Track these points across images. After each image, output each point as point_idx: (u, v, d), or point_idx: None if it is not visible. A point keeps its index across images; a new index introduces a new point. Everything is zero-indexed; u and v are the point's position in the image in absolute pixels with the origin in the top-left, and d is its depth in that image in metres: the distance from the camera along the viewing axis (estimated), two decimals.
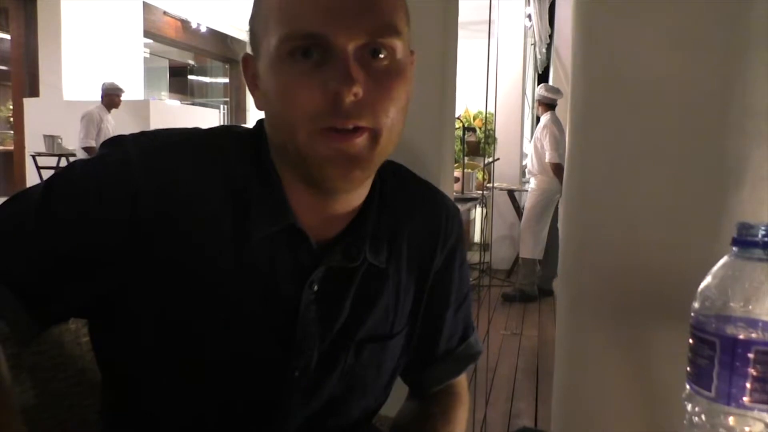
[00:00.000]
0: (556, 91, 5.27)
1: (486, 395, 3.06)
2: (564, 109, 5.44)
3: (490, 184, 5.66)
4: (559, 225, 1.55)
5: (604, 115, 1.42)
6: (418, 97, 1.56)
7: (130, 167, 0.67)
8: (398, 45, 0.66)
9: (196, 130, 0.76)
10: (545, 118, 5.16)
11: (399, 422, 0.92)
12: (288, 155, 0.68)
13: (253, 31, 0.70)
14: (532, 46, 7.62)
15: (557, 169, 5.01)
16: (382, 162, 0.71)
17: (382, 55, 0.65)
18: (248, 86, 0.72)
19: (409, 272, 0.82)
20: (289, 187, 0.72)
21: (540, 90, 5.35)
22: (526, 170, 5.43)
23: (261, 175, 0.72)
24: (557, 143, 4.99)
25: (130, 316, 0.71)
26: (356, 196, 0.74)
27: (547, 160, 5.04)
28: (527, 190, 5.57)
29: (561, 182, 5.10)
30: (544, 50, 8.30)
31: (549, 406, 1.60)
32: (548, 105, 5.17)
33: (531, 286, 5.22)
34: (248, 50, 0.73)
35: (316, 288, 0.74)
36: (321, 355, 0.76)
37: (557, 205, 5.21)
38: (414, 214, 0.83)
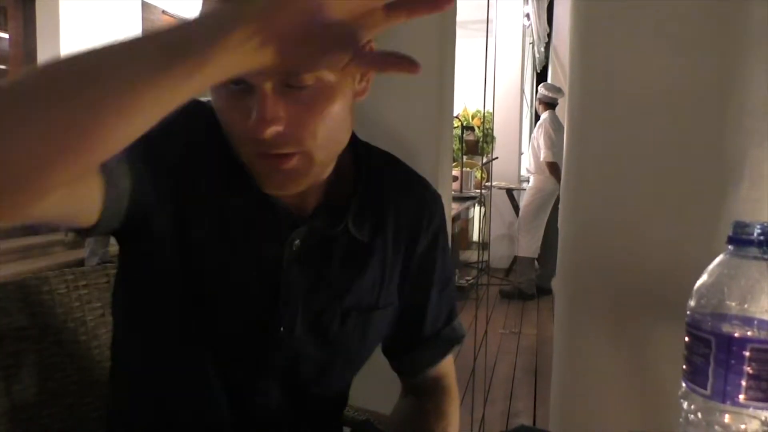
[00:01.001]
0: (557, 90, 5.27)
1: (484, 394, 3.06)
2: (563, 108, 5.45)
3: (489, 183, 5.66)
4: (558, 224, 1.55)
5: (601, 114, 1.42)
6: (416, 95, 1.57)
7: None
8: (315, 77, 0.65)
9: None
10: (543, 116, 5.17)
11: (394, 420, 0.94)
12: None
13: None
14: (531, 45, 7.62)
15: (552, 167, 5.02)
16: (327, 167, 0.75)
17: (302, 85, 0.64)
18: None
19: (395, 249, 0.85)
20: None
21: (541, 89, 5.35)
22: (526, 169, 5.43)
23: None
24: (552, 142, 5.00)
25: (145, 249, 0.76)
26: (312, 186, 0.77)
27: (541, 159, 5.05)
28: (525, 189, 5.58)
29: (557, 181, 5.12)
30: (542, 49, 8.30)
31: (548, 405, 1.61)
32: (548, 104, 5.17)
33: (529, 284, 5.23)
34: None
35: (297, 244, 0.77)
36: (307, 318, 0.79)
37: (556, 204, 5.21)
38: (402, 193, 0.87)
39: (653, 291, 1.35)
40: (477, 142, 7.05)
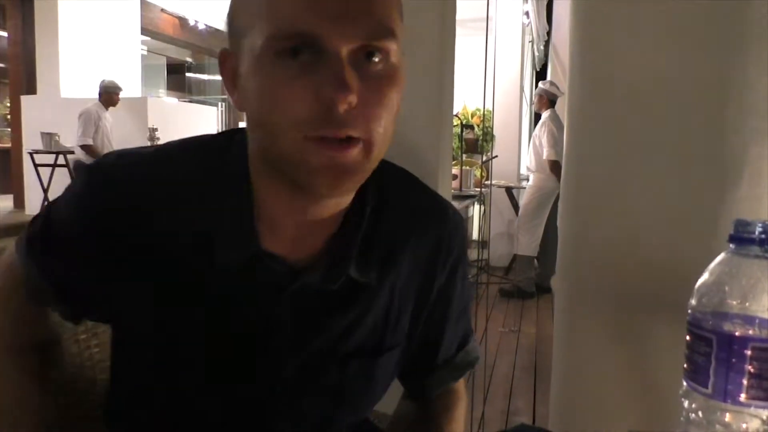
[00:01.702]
0: (557, 87, 5.28)
1: (484, 393, 3.07)
2: (562, 106, 5.44)
3: (488, 182, 5.66)
4: (558, 222, 1.55)
5: (601, 112, 1.42)
6: (416, 94, 1.57)
7: (91, 200, 0.70)
8: (393, 48, 0.60)
9: (164, 150, 0.74)
10: (545, 115, 5.16)
11: (399, 421, 0.91)
12: (271, 161, 0.64)
13: (233, 26, 0.64)
14: (530, 44, 7.61)
15: (554, 166, 5.01)
16: (373, 169, 0.65)
17: (376, 59, 0.60)
18: (225, 84, 0.67)
19: (406, 287, 0.78)
20: (265, 194, 0.68)
21: (543, 85, 5.34)
22: (526, 167, 5.42)
23: (227, 194, 0.69)
24: (555, 140, 5.00)
25: (124, 321, 0.75)
26: (342, 201, 0.69)
27: (544, 158, 5.04)
28: (525, 188, 5.58)
29: (558, 179, 5.11)
30: (542, 47, 8.29)
31: (547, 403, 1.61)
32: (550, 101, 5.17)
33: (528, 283, 5.23)
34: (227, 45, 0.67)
35: (288, 303, 0.70)
36: (300, 369, 0.73)
37: (555, 202, 5.21)
38: (418, 227, 0.78)
39: (653, 289, 1.35)
40: (476, 141, 7.04)
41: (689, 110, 1.33)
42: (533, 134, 5.31)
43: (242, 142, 0.70)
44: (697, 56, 1.32)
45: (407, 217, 0.77)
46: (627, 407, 1.39)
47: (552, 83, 5.43)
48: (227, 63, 0.66)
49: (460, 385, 0.92)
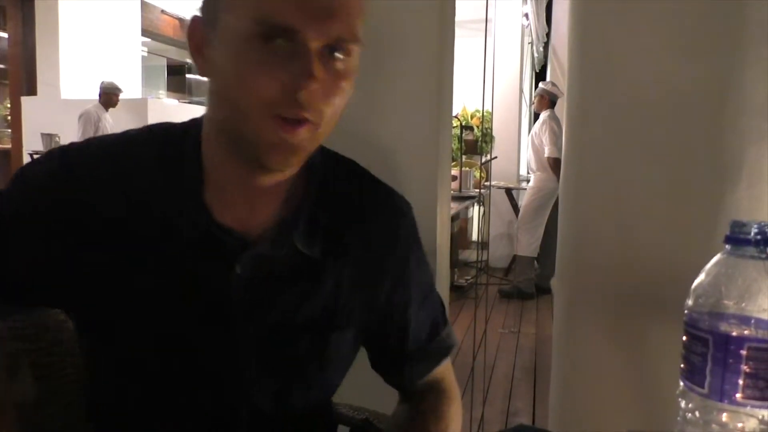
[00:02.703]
0: (559, 88, 5.28)
1: (484, 393, 3.07)
2: (560, 108, 5.44)
3: (488, 183, 5.67)
4: (558, 223, 1.55)
5: (600, 113, 1.42)
6: (415, 95, 1.57)
7: (52, 180, 0.74)
8: (355, 49, 0.69)
9: (125, 136, 0.80)
10: (545, 114, 5.15)
11: (392, 424, 0.93)
12: (227, 131, 0.72)
13: (209, 2, 0.70)
14: (529, 45, 7.62)
15: (556, 164, 5.02)
16: (313, 150, 0.73)
17: (339, 56, 0.68)
18: (191, 49, 0.71)
19: (358, 272, 0.82)
20: (217, 164, 0.75)
21: (543, 86, 5.33)
22: (528, 168, 5.41)
23: (180, 172, 0.75)
24: (556, 138, 5.01)
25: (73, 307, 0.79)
26: (288, 172, 0.76)
27: (546, 155, 5.04)
28: (525, 189, 5.57)
29: (557, 177, 5.10)
30: (541, 49, 8.30)
31: (547, 404, 1.61)
32: (551, 101, 5.17)
33: (528, 284, 5.23)
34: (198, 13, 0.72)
35: (239, 272, 0.75)
36: (255, 341, 0.77)
37: (556, 203, 5.20)
38: (366, 212, 0.84)
39: (652, 290, 1.36)
40: (476, 142, 7.05)
41: (688, 110, 1.33)
42: (532, 134, 5.30)
43: (200, 123, 0.77)
44: (696, 57, 1.32)
45: (354, 202, 0.83)
46: (625, 407, 1.40)
47: (553, 84, 5.44)
48: (197, 30, 0.71)
49: (451, 384, 0.95)
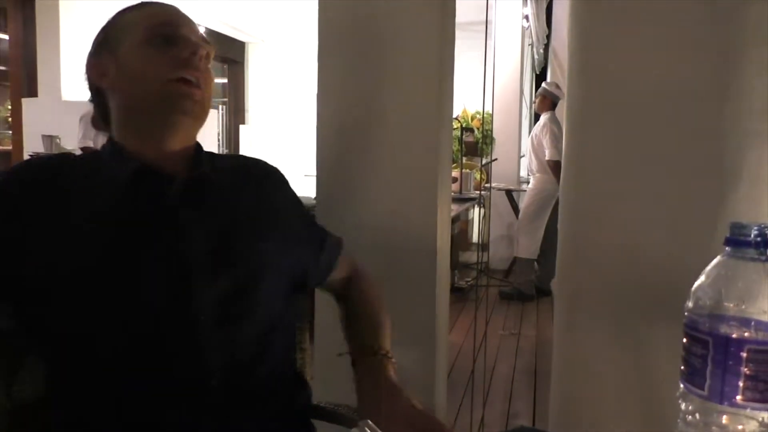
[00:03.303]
0: (561, 89, 5.27)
1: (484, 395, 3.07)
2: (561, 109, 5.44)
3: (488, 184, 5.66)
4: (558, 225, 1.55)
5: (600, 116, 1.42)
6: (415, 97, 1.57)
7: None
8: (211, 52, 1.00)
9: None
10: (545, 116, 5.13)
11: (344, 325, 1.14)
12: (141, 113, 0.96)
13: (107, 35, 1.00)
14: (530, 47, 7.62)
15: (556, 166, 5.02)
16: (203, 120, 1.00)
17: (203, 52, 0.97)
18: (94, 79, 1.00)
19: (256, 197, 1.05)
20: (137, 146, 0.97)
21: (548, 86, 5.29)
22: (528, 169, 5.38)
23: (110, 153, 0.98)
24: (557, 141, 5.00)
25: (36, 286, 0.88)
26: (191, 135, 1.02)
27: (546, 158, 5.03)
28: (525, 190, 5.55)
29: (557, 179, 5.08)
30: (541, 51, 8.29)
31: (547, 405, 1.61)
32: (552, 102, 5.14)
33: (528, 285, 5.21)
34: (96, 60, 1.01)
35: (179, 193, 0.95)
36: (209, 248, 0.94)
37: (556, 205, 5.20)
38: (244, 163, 1.11)
39: (652, 292, 1.35)
40: (476, 144, 7.05)
41: (688, 113, 1.33)
42: (532, 135, 5.27)
43: (107, 141, 1.01)
44: (696, 59, 1.32)
45: (237, 160, 1.13)
46: (625, 409, 1.40)
47: (556, 85, 5.43)
48: (95, 68, 0.99)
49: (362, 270, 1.21)
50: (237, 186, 1.04)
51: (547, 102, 5.15)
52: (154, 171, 0.96)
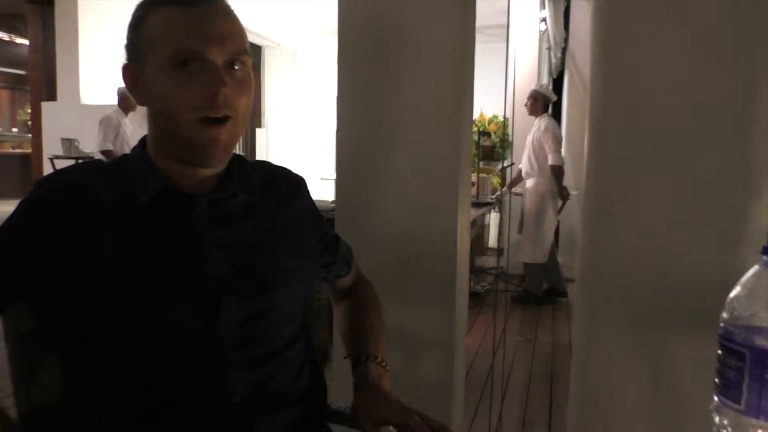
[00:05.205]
0: (551, 91, 5.24)
1: (500, 400, 3.04)
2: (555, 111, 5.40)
3: (505, 189, 5.63)
4: (579, 230, 1.53)
5: (623, 118, 1.41)
6: (436, 100, 1.56)
7: (27, 203, 0.92)
8: (247, 60, 0.93)
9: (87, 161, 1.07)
10: (545, 121, 5.05)
11: (340, 325, 1.19)
12: (168, 139, 0.93)
13: (134, 46, 0.93)
14: (547, 51, 7.58)
15: (559, 171, 4.99)
16: (236, 144, 0.96)
17: (237, 67, 0.91)
18: (127, 88, 0.95)
19: (281, 213, 1.05)
20: (166, 166, 0.94)
21: (540, 88, 5.21)
22: (525, 172, 5.28)
23: (139, 165, 0.96)
24: (559, 145, 4.97)
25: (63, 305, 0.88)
26: (222, 162, 0.97)
27: (550, 163, 4.98)
28: (521, 194, 5.44)
29: (560, 185, 5.05)
30: (559, 54, 8.25)
31: (563, 412, 1.59)
32: (545, 104, 5.09)
33: (537, 288, 5.17)
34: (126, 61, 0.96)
35: (204, 214, 0.94)
36: (235, 272, 0.93)
37: (553, 206, 5.16)
38: (272, 178, 1.08)
39: (676, 299, 1.33)
40: (493, 148, 7.02)
41: (714, 116, 1.31)
42: (532, 140, 5.18)
43: (137, 147, 0.99)
44: (722, 63, 1.30)
45: (264, 171, 1.09)
46: (647, 421, 1.37)
47: (547, 87, 5.37)
48: (128, 74, 0.95)
49: (363, 281, 1.24)
50: (263, 203, 1.02)
51: (539, 104, 5.09)
52: (181, 192, 0.94)
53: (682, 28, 1.33)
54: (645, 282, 1.38)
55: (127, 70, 0.95)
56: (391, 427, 0.89)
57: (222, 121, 0.89)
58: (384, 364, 1.07)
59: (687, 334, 1.29)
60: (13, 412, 0.95)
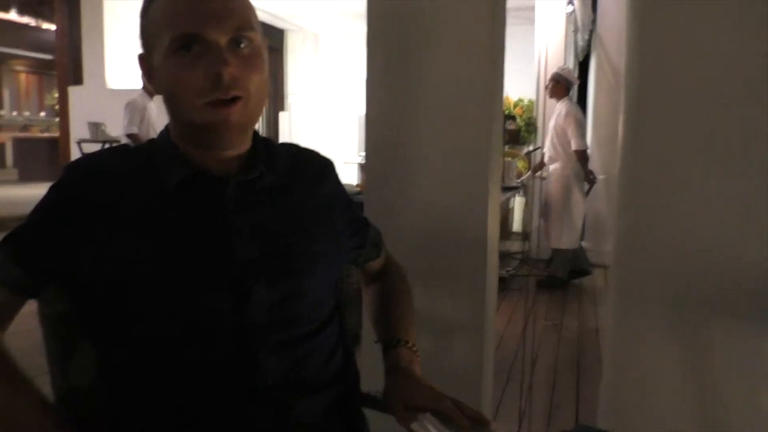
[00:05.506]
0: (573, 74, 5.15)
1: (526, 386, 3.04)
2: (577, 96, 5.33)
3: (533, 173, 5.57)
4: (613, 216, 1.50)
5: (660, 101, 1.37)
6: (467, 82, 1.54)
7: (58, 188, 0.91)
8: (254, 36, 0.90)
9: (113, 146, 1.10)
10: (566, 105, 4.95)
11: (370, 309, 1.19)
12: (182, 126, 0.92)
13: (144, 37, 0.94)
14: (574, 33, 7.46)
15: (583, 156, 4.92)
16: (254, 123, 0.94)
17: (243, 45, 0.88)
18: (144, 78, 0.95)
19: (310, 196, 1.03)
20: (189, 151, 0.93)
21: (561, 70, 5.10)
22: (548, 157, 5.19)
23: (165, 150, 0.95)
24: (582, 129, 4.89)
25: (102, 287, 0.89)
26: (242, 143, 0.95)
27: (573, 148, 4.90)
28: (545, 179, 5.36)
29: (584, 169, 4.97)
30: (586, 37, 8.11)
31: (590, 399, 1.57)
32: (566, 88, 4.99)
33: (563, 273, 5.12)
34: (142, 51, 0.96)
35: (233, 197, 0.93)
36: (264, 255, 0.93)
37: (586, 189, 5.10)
38: (300, 160, 1.07)
39: (714, 286, 1.30)
40: (518, 131, 6.95)
41: (754, 101, 1.27)
42: (553, 124, 5.09)
43: (163, 132, 0.98)
44: (763, 46, 1.26)
45: (293, 155, 1.07)
46: (682, 412, 1.35)
47: (569, 69, 5.27)
48: (144, 63, 0.95)
49: (392, 264, 1.23)
50: (291, 186, 1.01)
51: (561, 87, 4.99)
52: (207, 175, 0.93)
53: (722, 10, 1.29)
54: (683, 268, 1.35)
55: (141, 60, 0.96)
56: (428, 414, 0.89)
57: (232, 102, 0.87)
58: (414, 348, 1.07)
59: (726, 323, 1.26)
60: (47, 389, 0.96)
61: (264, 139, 1.03)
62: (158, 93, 0.92)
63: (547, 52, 6.14)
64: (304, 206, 1.01)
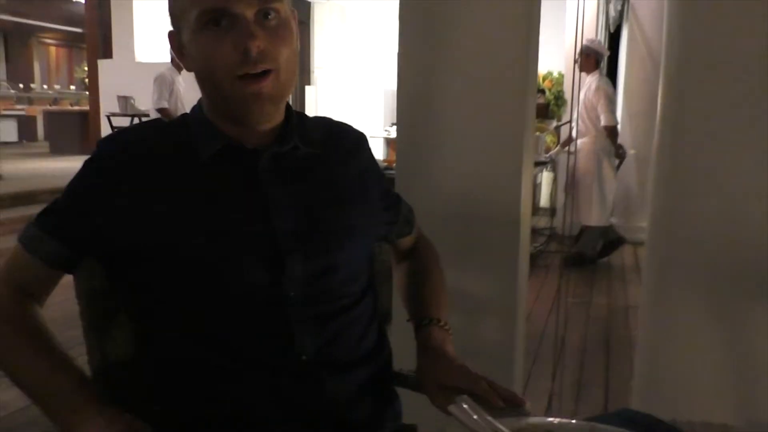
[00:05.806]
0: (604, 47, 5.01)
1: (555, 364, 3.02)
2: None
3: (561, 147, 5.49)
4: (650, 193, 1.47)
5: (700, 77, 1.33)
6: (501, 56, 1.50)
7: (94, 161, 0.92)
8: (281, 7, 0.89)
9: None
10: (596, 79, 4.82)
11: (401, 287, 1.17)
12: (214, 102, 0.93)
13: (172, 14, 0.92)
14: (606, 3, 7.28)
15: (612, 131, 4.81)
16: (287, 96, 0.94)
17: (271, 16, 0.87)
18: (175, 55, 0.95)
19: (344, 168, 1.03)
20: (222, 124, 0.94)
21: (592, 43, 4.94)
22: (578, 131, 5.07)
23: (199, 124, 0.96)
24: (612, 104, 4.77)
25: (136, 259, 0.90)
26: (276, 116, 0.95)
27: (603, 124, 4.79)
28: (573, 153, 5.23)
29: (614, 144, 4.85)
30: (618, 8, 7.92)
31: (620, 378, 1.55)
32: (597, 61, 4.86)
33: (592, 250, 5.04)
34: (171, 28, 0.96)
35: (267, 168, 0.93)
36: (299, 228, 0.93)
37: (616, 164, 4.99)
38: (333, 133, 1.06)
39: (752, 266, 1.28)
40: (547, 105, 6.85)
41: None
42: (583, 98, 4.96)
43: (196, 107, 0.98)
44: None
45: (324, 123, 1.07)
46: (719, 394, 1.33)
47: (600, 42, 5.12)
48: (174, 40, 0.94)
49: (424, 241, 1.22)
50: (325, 158, 1.01)
51: (591, 61, 4.84)
52: (241, 147, 0.93)
53: None
54: (719, 248, 1.33)
55: (171, 38, 0.95)
56: (465, 396, 0.88)
57: (262, 75, 0.86)
58: (447, 327, 1.06)
59: (765, 302, 1.23)
60: (82, 361, 0.97)
61: (298, 112, 1.02)
62: (190, 70, 0.92)
63: (578, 23, 6.00)
64: (339, 179, 1.01)
